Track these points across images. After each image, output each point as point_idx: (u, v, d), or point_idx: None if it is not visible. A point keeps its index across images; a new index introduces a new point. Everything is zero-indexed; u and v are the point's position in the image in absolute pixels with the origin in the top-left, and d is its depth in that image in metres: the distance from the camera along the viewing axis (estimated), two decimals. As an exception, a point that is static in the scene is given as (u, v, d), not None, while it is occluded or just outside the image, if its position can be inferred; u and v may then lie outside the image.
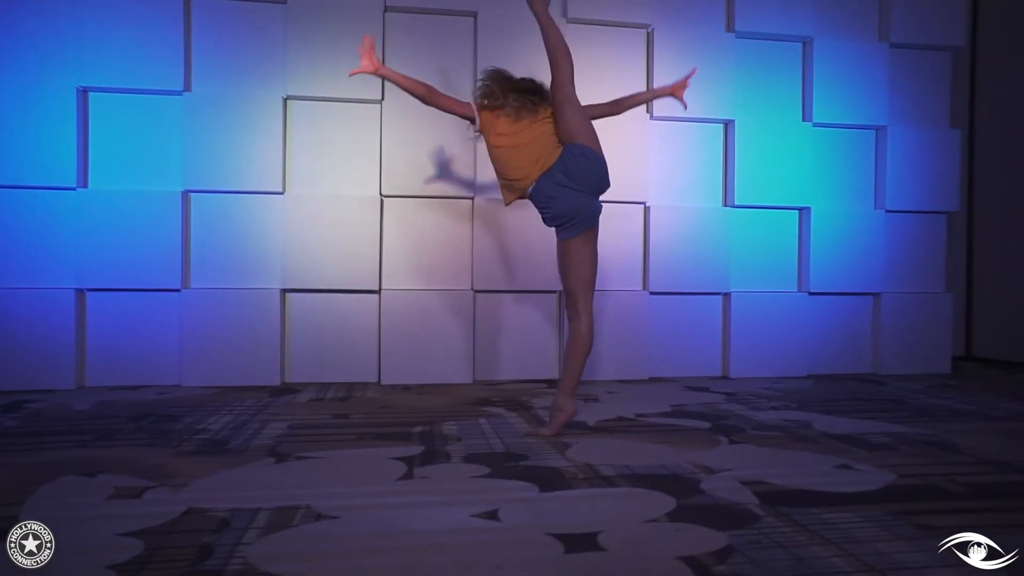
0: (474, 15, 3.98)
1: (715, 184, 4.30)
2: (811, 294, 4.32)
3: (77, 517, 1.69)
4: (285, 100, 3.83)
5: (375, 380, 3.89)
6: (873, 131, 4.45)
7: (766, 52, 4.31)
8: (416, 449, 2.38)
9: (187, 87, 3.73)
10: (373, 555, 1.49)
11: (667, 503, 1.82)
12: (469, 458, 2.27)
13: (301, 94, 3.82)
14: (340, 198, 3.85)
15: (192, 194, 3.75)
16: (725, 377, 4.22)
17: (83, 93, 3.66)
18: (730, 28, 4.25)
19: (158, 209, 3.68)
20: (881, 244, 4.40)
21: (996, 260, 4.96)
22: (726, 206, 4.28)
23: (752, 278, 4.29)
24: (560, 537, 1.58)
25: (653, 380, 4.07)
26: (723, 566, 1.43)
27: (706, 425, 2.81)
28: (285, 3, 3.80)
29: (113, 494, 1.87)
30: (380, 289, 3.88)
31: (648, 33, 4.18)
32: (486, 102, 2.72)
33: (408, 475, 2.08)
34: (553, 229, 2.70)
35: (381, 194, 3.89)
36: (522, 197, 2.74)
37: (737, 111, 4.23)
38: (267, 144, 3.77)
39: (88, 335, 3.67)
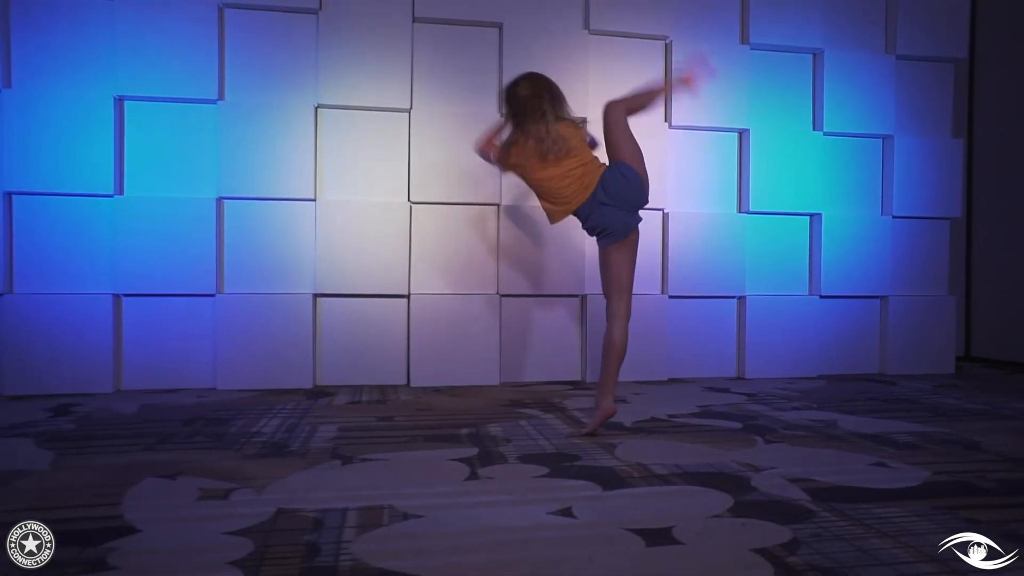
0: (500, 26, 4.09)
1: (730, 191, 4.44)
2: (822, 297, 4.48)
3: (175, 517, 1.79)
4: (316, 108, 3.92)
5: (404, 383, 3.99)
6: (880, 140, 4.61)
7: (779, 63, 4.46)
8: (471, 451, 2.49)
9: (221, 96, 3.81)
10: (466, 552, 1.60)
11: (725, 500, 1.95)
12: (525, 458, 2.39)
13: (332, 103, 3.91)
14: (370, 204, 3.94)
15: (226, 201, 3.83)
16: (741, 378, 4.36)
17: (119, 102, 3.72)
18: (744, 40, 4.39)
19: (193, 216, 3.76)
20: (888, 249, 4.56)
21: (993, 263, 5.16)
22: (741, 212, 4.42)
23: (766, 282, 4.43)
24: (637, 532, 1.70)
25: (672, 381, 4.20)
26: (795, 557, 1.55)
27: (738, 425, 2.94)
28: (317, 13, 3.88)
29: (200, 495, 1.96)
30: (409, 294, 3.98)
31: (666, 44, 4.31)
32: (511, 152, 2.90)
33: (473, 476, 2.19)
34: (590, 236, 2.84)
35: (410, 200, 3.99)
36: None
37: (751, 120, 4.37)
38: (299, 152, 3.86)
39: (124, 340, 3.74)
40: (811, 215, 4.51)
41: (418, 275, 4.00)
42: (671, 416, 3.14)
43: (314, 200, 3.90)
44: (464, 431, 2.81)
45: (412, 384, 3.94)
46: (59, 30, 3.64)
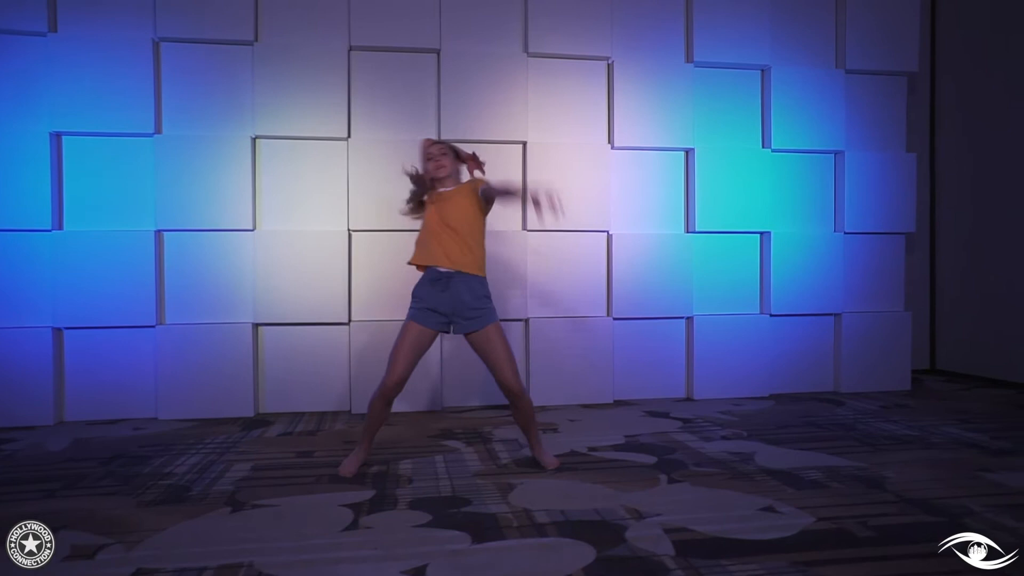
0: (437, 52, 4.09)
1: (677, 211, 4.41)
2: (773, 316, 4.45)
3: (33, 580, 1.82)
4: (254, 140, 3.95)
5: (347, 409, 4.02)
6: (832, 155, 4.56)
7: (725, 81, 4.42)
8: (367, 494, 2.51)
9: (158, 129, 3.85)
10: (301, 618, 1.62)
11: (587, 555, 1.95)
12: (415, 503, 2.40)
13: (269, 133, 3.94)
14: (309, 233, 3.97)
15: (165, 233, 3.87)
16: (689, 399, 4.34)
17: (56, 137, 3.77)
18: (689, 59, 4.36)
19: (132, 248, 3.80)
20: (841, 265, 4.51)
21: (958, 277, 5.08)
22: (688, 232, 4.40)
23: (715, 302, 4.41)
24: (477, 597, 1.70)
25: (618, 403, 4.19)
26: (618, 628, 1.55)
27: (651, 460, 2.93)
28: (252, 45, 3.91)
29: (69, 554, 1.99)
30: (350, 321, 4.01)
31: (608, 65, 4.29)
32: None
33: (353, 524, 2.20)
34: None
35: (349, 228, 4.01)
36: None
37: (697, 140, 4.34)
38: (237, 183, 3.89)
39: (66, 372, 3.80)
40: (761, 233, 4.48)
41: (359, 302, 4.03)
42: (591, 449, 3.13)
43: (253, 230, 3.93)
44: (374, 469, 2.83)
45: (353, 411, 3.97)
46: (-6, 69, 3.70)
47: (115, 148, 3.83)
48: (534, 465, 2.87)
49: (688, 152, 4.39)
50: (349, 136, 4.01)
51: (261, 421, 3.78)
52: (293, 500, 2.46)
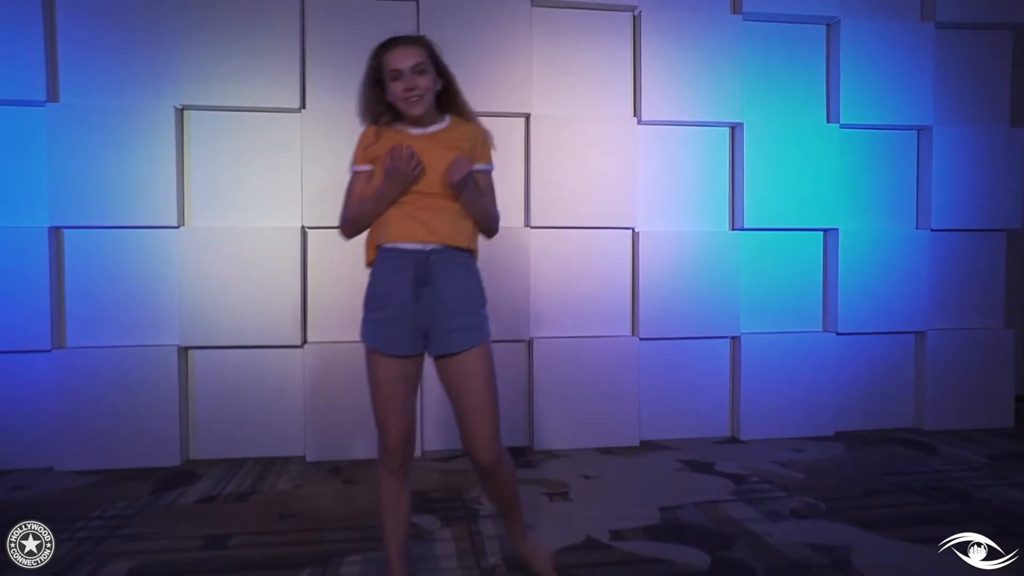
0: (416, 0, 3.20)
1: (720, 202, 3.51)
2: (839, 334, 3.53)
3: None
4: (180, 110, 3.09)
5: (300, 454, 3.16)
6: (915, 132, 3.63)
7: (782, 37, 3.51)
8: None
9: (52, 96, 2.99)
10: None
11: None
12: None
13: (200, 103, 3.07)
14: (252, 231, 3.11)
15: (65, 231, 3.02)
16: (734, 439, 3.45)
17: (-80, 108, 2.93)
18: (736, 9, 3.45)
19: (19, 250, 2.96)
20: (925, 271, 3.59)
21: (1061, 282, 4.13)
22: (733, 229, 3.49)
23: (767, 317, 3.51)
24: None
25: (645, 446, 3.31)
26: None
27: (703, 561, 2.04)
28: (176, -9, 3.04)
29: None
30: (304, 342, 3.15)
31: (635, 17, 3.38)
32: None
33: None
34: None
35: (303, 225, 3.15)
36: None
37: (746, 112, 3.43)
38: (158, 166, 3.03)
39: (-61, 409, 2.97)
40: (825, 230, 3.57)
41: (315, 319, 3.16)
42: (614, 534, 2.25)
43: (178, 227, 3.07)
44: (305, 572, 1.97)
45: (308, 458, 3.11)
46: None
47: (-1, 121, 2.98)
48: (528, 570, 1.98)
49: (735, 128, 3.48)
50: (303, 107, 3.14)
51: (186, 473, 2.93)
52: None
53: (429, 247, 1.68)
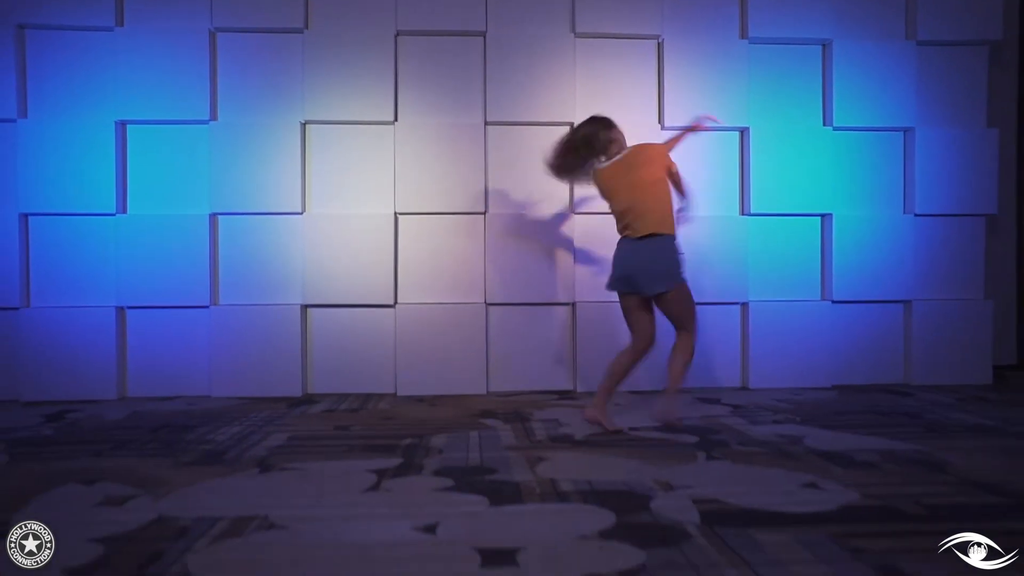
0: (483, 34, 4.08)
1: (731, 192, 4.24)
2: (835, 302, 4.20)
3: (61, 521, 1.87)
4: (304, 124, 4.04)
5: (392, 391, 4.03)
6: (901, 133, 4.29)
7: (783, 57, 4.23)
8: (394, 462, 2.49)
9: (213, 116, 3.99)
10: (304, 562, 1.60)
11: (607, 519, 1.86)
12: (440, 471, 2.36)
13: (318, 118, 4.01)
14: (356, 216, 4.02)
15: (219, 216, 4.00)
16: (745, 388, 4.15)
17: (121, 126, 3.96)
18: (744, 35, 4.20)
19: (189, 231, 3.95)
20: (911, 249, 4.23)
21: (1048, 263, 4.68)
22: (743, 214, 4.22)
23: (772, 287, 4.20)
24: (482, 551, 1.64)
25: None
26: (624, 585, 1.46)
27: (693, 440, 2.80)
28: (302, 32, 4.00)
29: (100, 501, 2.05)
30: (396, 303, 4.03)
31: (659, 44, 4.18)
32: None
33: (374, 487, 2.19)
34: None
35: (395, 212, 4.04)
36: None
37: (752, 118, 4.16)
38: (287, 167, 3.98)
39: (128, 350, 3.96)
40: (822, 215, 4.25)
41: (405, 285, 4.05)
42: (632, 429, 3.02)
43: (302, 213, 4.01)
44: (407, 441, 2.81)
45: (399, 393, 3.98)
46: (64, 59, 3.91)
47: (174, 135, 3.99)
48: (568, 440, 2.78)
49: (743, 131, 4.22)
50: (396, 120, 4.05)
51: (307, 400, 3.84)
52: (321, 465, 2.46)
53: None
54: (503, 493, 2.10)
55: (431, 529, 1.81)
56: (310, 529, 1.81)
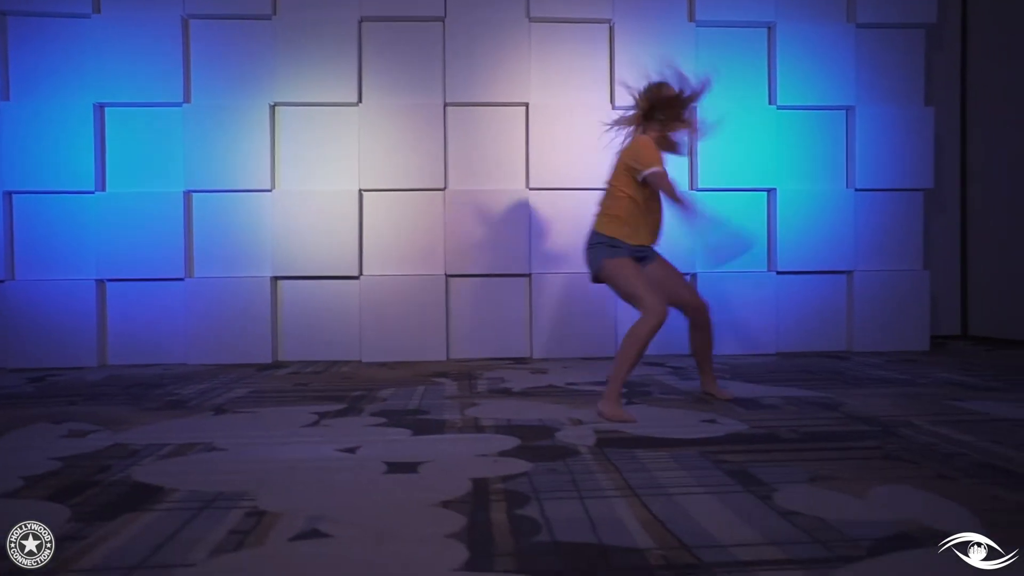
0: (442, 20, 4.29)
1: (680, 169, 4.45)
2: (780, 273, 4.43)
3: (27, 447, 2.11)
4: (273, 106, 4.26)
5: (357, 358, 4.27)
6: (843, 111, 4.50)
7: (729, 39, 4.44)
8: (339, 407, 2.72)
9: (187, 99, 4.21)
10: (235, 473, 1.83)
11: (511, 444, 2.09)
12: (377, 413, 2.59)
13: (286, 100, 4.24)
14: (323, 193, 4.24)
15: (193, 194, 4.23)
16: (692, 355, 4.36)
17: (99, 108, 4.18)
18: (692, 18, 4.40)
19: (164, 208, 4.17)
20: (853, 223, 4.45)
21: (991, 239, 4.89)
22: (692, 190, 4.44)
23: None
24: (391, 464, 1.88)
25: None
26: (501, 484, 1.69)
27: (625, 389, 3.02)
28: (271, 18, 4.22)
29: (65, 435, 2.28)
30: (360, 275, 4.26)
31: (610, 27, 4.39)
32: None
33: (315, 424, 2.42)
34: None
35: (360, 188, 4.26)
36: None
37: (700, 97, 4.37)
38: (257, 147, 4.21)
39: (108, 320, 4.20)
40: (767, 190, 4.47)
41: (369, 257, 4.27)
42: (569, 384, 3.25)
43: (271, 191, 4.24)
44: (356, 394, 3.05)
45: (363, 360, 4.21)
46: (46, 46, 4.14)
47: (150, 117, 4.21)
48: (505, 392, 3.01)
49: (691, 110, 4.42)
50: (360, 101, 4.27)
51: (276, 365, 4.07)
52: (270, 410, 2.70)
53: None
54: (427, 428, 2.33)
55: (352, 450, 2.04)
56: (247, 451, 2.05)
